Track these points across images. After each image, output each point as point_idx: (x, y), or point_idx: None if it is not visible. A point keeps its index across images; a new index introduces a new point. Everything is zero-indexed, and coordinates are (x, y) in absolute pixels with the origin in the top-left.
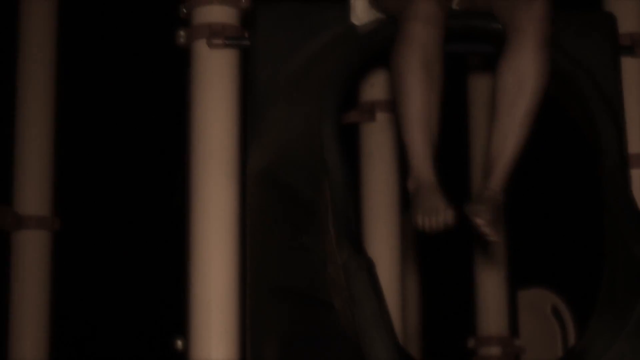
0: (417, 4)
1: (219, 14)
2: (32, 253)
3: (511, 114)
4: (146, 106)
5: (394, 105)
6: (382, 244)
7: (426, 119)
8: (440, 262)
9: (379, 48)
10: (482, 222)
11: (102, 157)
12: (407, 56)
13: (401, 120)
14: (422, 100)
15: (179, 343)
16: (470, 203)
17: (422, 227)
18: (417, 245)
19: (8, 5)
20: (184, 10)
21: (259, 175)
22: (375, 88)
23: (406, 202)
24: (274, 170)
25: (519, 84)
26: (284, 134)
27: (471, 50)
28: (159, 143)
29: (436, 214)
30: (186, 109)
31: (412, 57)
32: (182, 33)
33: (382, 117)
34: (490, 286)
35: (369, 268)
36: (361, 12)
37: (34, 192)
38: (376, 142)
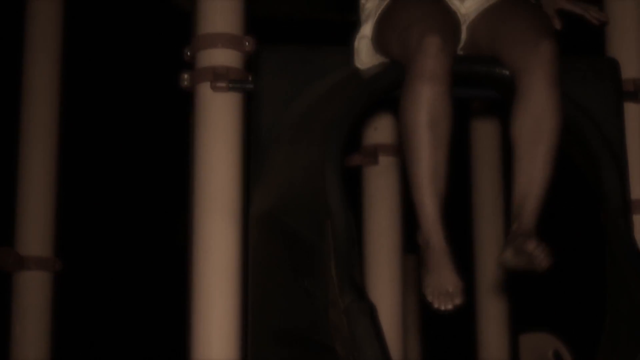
0: (424, 59)
1: (223, 57)
2: (34, 294)
3: (533, 154)
4: (150, 148)
5: (397, 149)
6: (385, 287)
7: (434, 178)
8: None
9: (383, 92)
10: (532, 246)
11: (105, 197)
12: (414, 116)
13: (410, 179)
14: (430, 161)
15: None
16: (508, 243)
17: (431, 304)
18: (419, 289)
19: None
20: (188, 53)
21: (261, 218)
22: (378, 131)
23: (409, 245)
24: (277, 213)
25: (536, 124)
26: (287, 177)
27: (475, 95)
28: (161, 184)
29: (447, 294)
30: (189, 151)
31: (419, 116)
32: (186, 76)
33: (385, 161)
34: (492, 330)
35: (371, 313)
36: (365, 56)
37: (35, 233)
38: (379, 185)
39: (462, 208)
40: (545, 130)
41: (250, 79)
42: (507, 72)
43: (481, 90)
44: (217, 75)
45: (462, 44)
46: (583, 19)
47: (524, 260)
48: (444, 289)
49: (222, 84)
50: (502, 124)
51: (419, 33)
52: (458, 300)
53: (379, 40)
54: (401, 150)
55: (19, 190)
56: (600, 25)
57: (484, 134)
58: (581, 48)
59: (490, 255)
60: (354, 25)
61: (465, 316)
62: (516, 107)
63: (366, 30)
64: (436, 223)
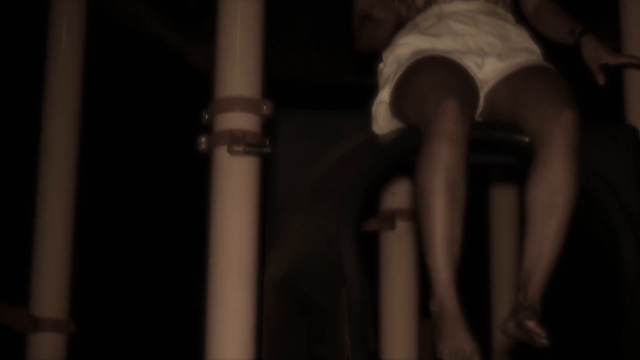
0: (441, 123)
1: (240, 121)
2: (48, 356)
3: (545, 226)
4: (166, 210)
5: (414, 215)
6: (401, 353)
7: (449, 242)
8: None
9: (401, 158)
10: (532, 324)
11: (121, 259)
12: (430, 177)
13: (424, 242)
14: (445, 224)
15: None
16: (511, 314)
17: None
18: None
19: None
20: (206, 117)
21: (276, 283)
22: (396, 196)
23: (425, 310)
24: (292, 278)
25: (551, 196)
26: (303, 242)
27: (494, 162)
28: (177, 246)
29: (463, 357)
30: (206, 214)
31: (435, 178)
32: (203, 139)
33: (402, 226)
34: None
35: None
36: (383, 121)
37: (50, 294)
38: (396, 251)
39: (479, 273)
40: (560, 203)
41: (267, 142)
42: (525, 140)
43: (499, 157)
44: (234, 139)
45: (480, 110)
46: (630, 67)
47: (524, 335)
48: (460, 352)
49: (239, 148)
50: (521, 190)
51: (436, 98)
52: None
53: (397, 106)
54: (415, 213)
55: (34, 252)
56: None
57: (503, 200)
58: (600, 114)
59: None
60: (372, 89)
61: None
62: (532, 176)
63: (384, 95)
64: (451, 287)
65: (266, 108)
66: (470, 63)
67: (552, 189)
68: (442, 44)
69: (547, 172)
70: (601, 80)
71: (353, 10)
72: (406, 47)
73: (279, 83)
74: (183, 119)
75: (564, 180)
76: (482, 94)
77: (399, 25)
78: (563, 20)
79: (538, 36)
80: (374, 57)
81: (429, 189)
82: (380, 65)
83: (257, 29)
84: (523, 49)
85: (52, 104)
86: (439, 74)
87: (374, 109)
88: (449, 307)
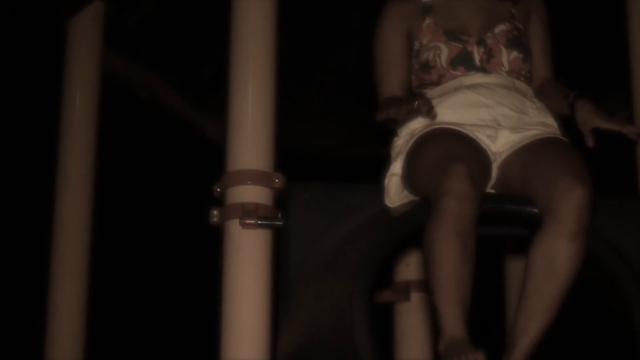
0: (451, 182)
1: (252, 194)
2: None
3: (538, 297)
4: (178, 283)
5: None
6: None
7: (458, 283)
8: None
9: (414, 230)
10: None
11: (135, 321)
12: (440, 226)
13: (432, 284)
14: (454, 265)
15: None
16: None
17: None
18: None
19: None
20: (218, 190)
21: (289, 357)
22: (410, 268)
23: None
24: (305, 352)
25: (548, 269)
26: (316, 315)
27: (507, 233)
28: (191, 318)
29: (464, 355)
30: (218, 287)
31: (445, 227)
32: (215, 212)
33: (417, 297)
34: None
35: None
36: (395, 193)
37: (65, 342)
38: (411, 322)
39: (497, 344)
40: (555, 278)
41: (279, 215)
42: (537, 212)
43: (512, 229)
44: (246, 212)
45: (493, 181)
46: (620, 134)
47: None
48: (462, 353)
49: (251, 221)
50: None
51: (446, 165)
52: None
53: (408, 177)
54: (424, 265)
55: (49, 302)
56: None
57: (518, 272)
58: (612, 185)
59: None
60: (385, 160)
61: None
62: (535, 246)
63: (396, 168)
64: (459, 320)
65: (278, 181)
66: (482, 136)
67: (551, 262)
68: (455, 117)
69: (549, 246)
70: (590, 142)
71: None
72: (419, 120)
73: (291, 154)
74: (196, 190)
75: (565, 257)
76: (495, 166)
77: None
78: (561, 91)
79: None
80: (389, 130)
81: (437, 236)
82: (395, 139)
83: (269, 101)
84: (539, 123)
85: (65, 174)
86: (450, 145)
87: (386, 181)
88: (457, 336)
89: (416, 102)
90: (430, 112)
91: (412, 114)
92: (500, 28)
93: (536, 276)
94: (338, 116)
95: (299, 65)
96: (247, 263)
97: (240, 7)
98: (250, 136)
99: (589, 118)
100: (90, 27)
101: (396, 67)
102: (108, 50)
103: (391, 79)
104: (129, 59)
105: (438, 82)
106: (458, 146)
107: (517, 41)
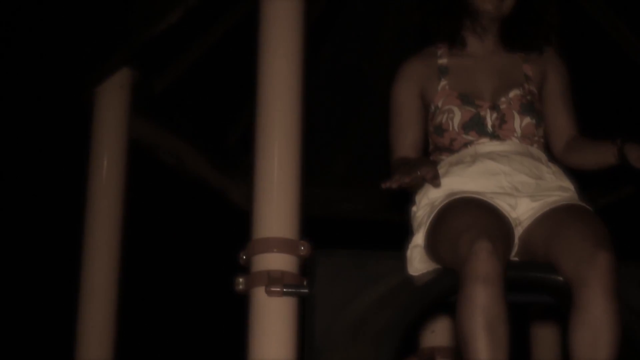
0: (475, 263)
1: (278, 262)
2: None
3: None
4: (205, 351)
5: (454, 352)
6: None
7: None
8: None
9: (438, 298)
10: None
11: None
12: (470, 320)
13: None
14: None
15: None
16: None
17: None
18: None
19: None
20: (244, 257)
21: None
22: (435, 334)
23: None
24: None
25: (595, 338)
26: None
27: (531, 301)
28: None
29: None
30: (244, 354)
31: (475, 320)
32: (241, 280)
33: None
34: None
35: None
36: (418, 263)
37: None
38: None
39: None
40: (603, 344)
41: (305, 283)
42: (561, 279)
43: (537, 296)
44: (271, 280)
45: (516, 249)
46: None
47: None
48: None
49: (277, 289)
50: (562, 328)
51: (469, 239)
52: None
53: (432, 248)
54: (456, 352)
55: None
56: None
57: (544, 338)
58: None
59: None
60: (408, 226)
61: None
62: (574, 320)
63: (418, 239)
64: None
65: (303, 249)
66: (503, 204)
67: (595, 330)
68: (474, 185)
69: (588, 316)
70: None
71: (391, 146)
72: (439, 190)
73: (316, 220)
74: (222, 257)
75: (606, 322)
76: (517, 234)
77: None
78: (600, 142)
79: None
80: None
81: (470, 332)
82: (414, 209)
83: (295, 168)
84: (557, 188)
85: (92, 241)
86: (472, 215)
87: (409, 252)
88: None
89: (420, 170)
90: (434, 180)
91: (417, 181)
92: (514, 92)
93: (583, 348)
94: (363, 182)
95: (324, 131)
96: (272, 331)
97: (267, 75)
98: (276, 203)
99: None
100: (118, 94)
101: (409, 127)
102: (135, 116)
103: (403, 140)
104: (156, 125)
105: (450, 146)
106: (481, 216)
107: (530, 106)
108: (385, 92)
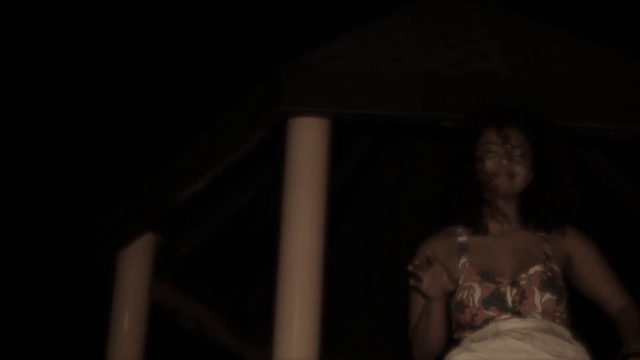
0: None
1: None
2: None
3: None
4: None
5: None
6: None
7: None
8: None
9: None
10: None
11: None
12: None
13: None
14: None
15: None
16: None
17: None
18: None
19: None
20: None
21: None
22: None
23: None
24: None
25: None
26: None
27: None
28: None
29: None
30: None
31: None
32: None
33: None
34: None
35: None
36: None
37: None
38: None
39: None
40: None
41: None
42: None
43: None
44: None
45: None
46: None
47: None
48: None
49: None
50: None
51: None
52: None
53: None
54: None
55: None
56: None
57: None
58: None
59: None
60: None
61: None
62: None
63: None
64: None
65: None
66: None
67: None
68: None
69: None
70: None
71: (409, 316)
72: None
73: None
74: None
75: None
76: None
77: (455, 341)
78: (631, 333)
79: None
80: None
81: None
82: None
83: (314, 336)
84: None
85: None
86: None
87: None
88: None
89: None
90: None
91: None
92: (535, 269)
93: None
94: (381, 352)
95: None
96: None
97: (289, 243)
98: None
99: None
100: (141, 259)
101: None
102: (156, 279)
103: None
104: (177, 289)
105: (471, 322)
106: None
107: (551, 283)
108: (404, 263)
